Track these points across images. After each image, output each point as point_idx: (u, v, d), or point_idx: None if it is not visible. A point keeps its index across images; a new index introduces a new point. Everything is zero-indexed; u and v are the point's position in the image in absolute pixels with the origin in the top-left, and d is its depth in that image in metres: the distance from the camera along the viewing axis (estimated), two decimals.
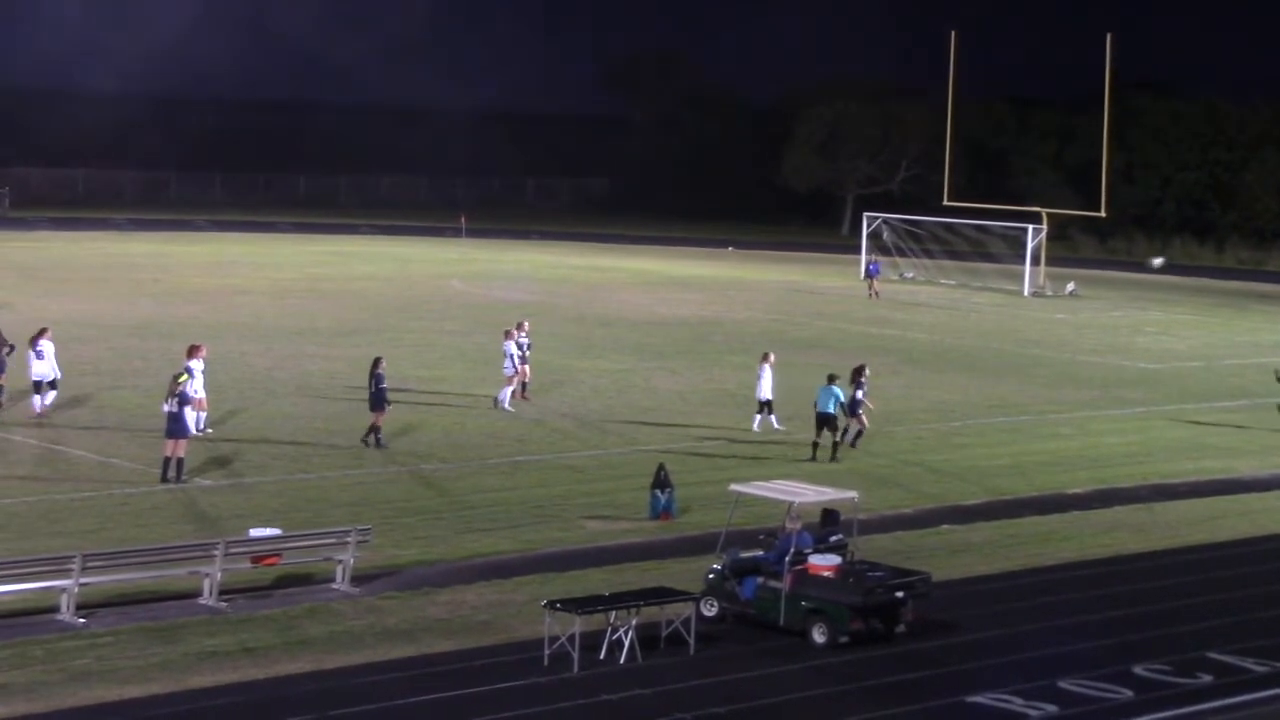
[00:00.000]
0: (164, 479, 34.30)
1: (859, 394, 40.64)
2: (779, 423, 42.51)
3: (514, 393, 44.47)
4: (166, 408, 34.79)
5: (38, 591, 25.61)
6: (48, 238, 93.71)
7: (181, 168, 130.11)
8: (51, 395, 40.73)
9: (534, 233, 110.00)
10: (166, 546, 27.63)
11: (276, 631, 25.36)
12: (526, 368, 45.81)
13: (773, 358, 43.30)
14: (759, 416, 42.72)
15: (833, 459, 38.95)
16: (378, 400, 38.73)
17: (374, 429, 38.69)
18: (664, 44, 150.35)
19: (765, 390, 42.60)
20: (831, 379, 40.09)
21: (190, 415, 35.80)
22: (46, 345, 40.65)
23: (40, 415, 40.20)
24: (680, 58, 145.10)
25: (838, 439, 39.60)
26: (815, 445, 39.44)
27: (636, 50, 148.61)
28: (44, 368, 40.49)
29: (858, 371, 41.18)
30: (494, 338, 48.24)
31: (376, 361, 39.27)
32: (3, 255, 66.08)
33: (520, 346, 45.53)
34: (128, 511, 32.01)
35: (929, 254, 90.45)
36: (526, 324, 46.78)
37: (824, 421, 39.45)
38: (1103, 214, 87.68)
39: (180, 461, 34.52)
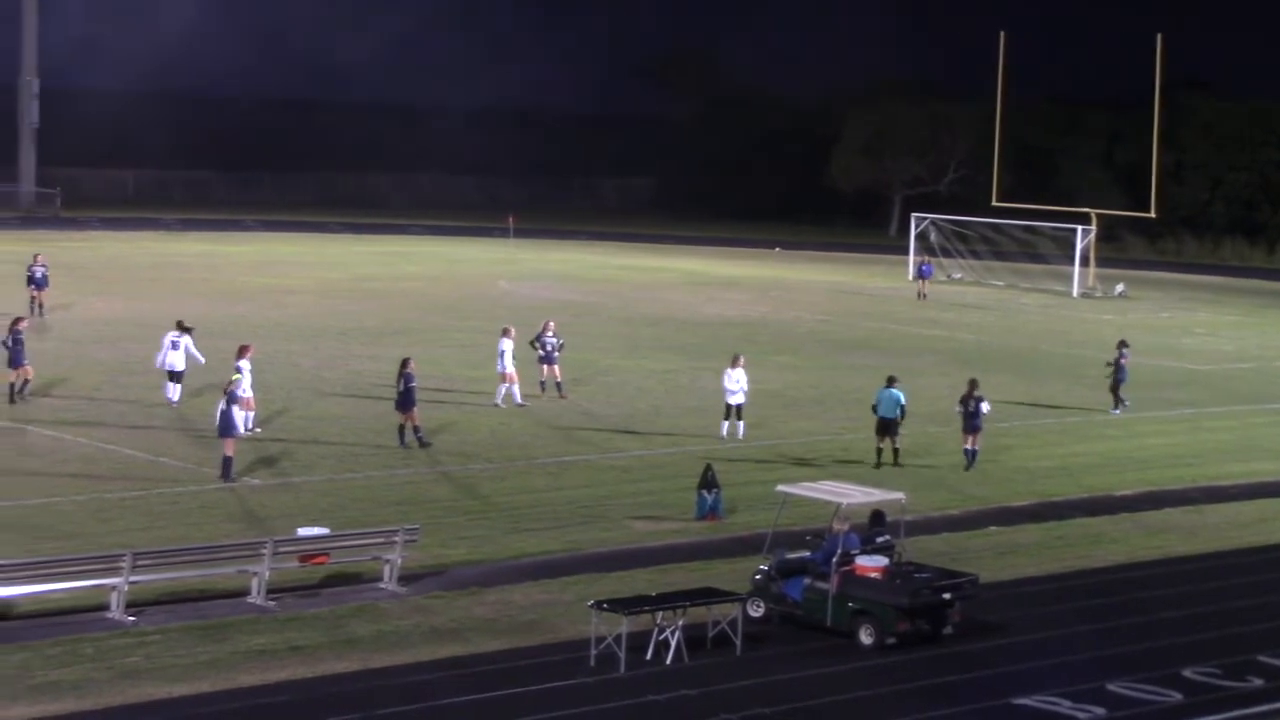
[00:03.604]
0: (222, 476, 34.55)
1: (984, 408, 39.05)
2: (728, 431, 41.28)
3: (512, 391, 44.48)
4: (220, 406, 35.07)
5: (88, 589, 25.79)
6: (98, 237, 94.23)
7: (230, 168, 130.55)
8: (178, 387, 42.93)
9: (581, 233, 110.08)
10: (215, 545, 27.80)
11: (324, 630, 25.46)
12: (557, 368, 45.99)
13: (741, 361, 41.96)
14: (727, 423, 41.27)
15: (895, 464, 38.38)
16: (406, 400, 38.77)
17: (415, 429, 38.75)
18: (711, 44, 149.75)
19: (736, 394, 41.10)
20: (891, 381, 39.30)
21: (238, 414, 35.98)
22: (182, 339, 42.96)
23: (174, 404, 42.28)
24: (727, 57, 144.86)
25: (898, 445, 38.88)
26: (879, 451, 38.77)
27: (684, 50, 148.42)
28: (177, 359, 42.79)
29: (973, 386, 39.45)
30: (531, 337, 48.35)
31: (405, 362, 39.38)
32: (55, 255, 66.39)
33: (547, 347, 45.72)
34: (177, 510, 32.18)
35: (976, 255, 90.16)
36: (552, 324, 46.84)
37: (885, 427, 38.70)
38: (1152, 214, 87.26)
39: (227, 460, 34.68)
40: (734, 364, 41.58)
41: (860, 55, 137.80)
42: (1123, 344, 48.75)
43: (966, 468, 38.79)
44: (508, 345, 44.39)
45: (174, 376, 42.87)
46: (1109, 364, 48.35)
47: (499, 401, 44.22)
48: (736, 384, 41.12)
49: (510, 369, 44.35)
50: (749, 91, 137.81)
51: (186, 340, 43.07)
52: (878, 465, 38.37)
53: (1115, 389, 47.76)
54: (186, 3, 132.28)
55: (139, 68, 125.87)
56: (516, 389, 44.43)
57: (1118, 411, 47.32)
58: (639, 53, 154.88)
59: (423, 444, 38.64)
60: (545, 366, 46.06)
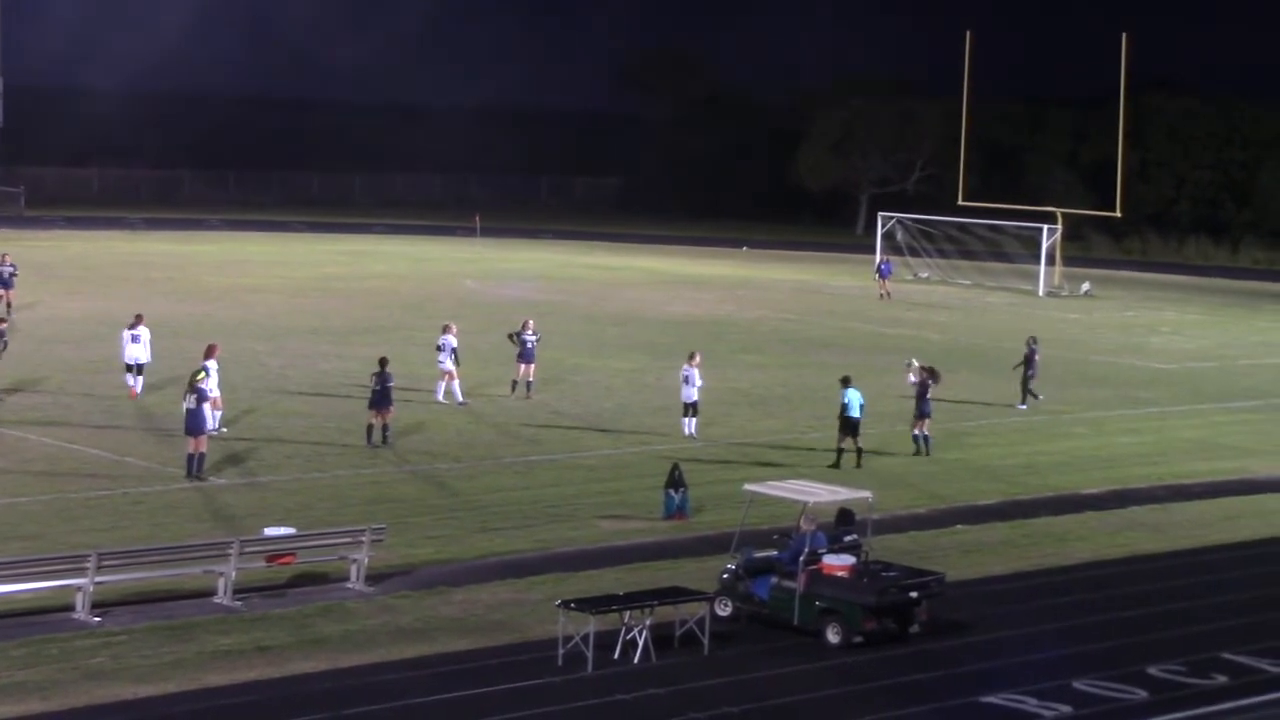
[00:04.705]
0: (188, 475, 34.39)
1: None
2: (695, 429, 41.20)
3: (453, 388, 44.57)
4: (186, 404, 34.96)
5: (53, 590, 25.68)
6: (63, 237, 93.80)
7: (195, 166, 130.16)
8: (140, 379, 43.63)
9: (547, 231, 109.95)
10: (181, 545, 27.72)
11: (291, 630, 25.40)
12: (532, 366, 46.05)
13: (699, 358, 42.08)
14: (688, 420, 41.18)
15: (858, 464, 38.34)
16: (382, 399, 38.73)
17: (384, 427, 38.72)
18: (678, 43, 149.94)
19: (692, 393, 41.09)
20: (846, 381, 39.25)
21: (208, 412, 35.91)
22: (142, 331, 43.72)
23: (135, 396, 42.97)
24: (694, 57, 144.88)
25: (860, 445, 38.84)
26: (840, 451, 38.67)
27: (651, 49, 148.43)
28: (138, 351, 43.62)
29: (930, 374, 40.92)
30: (501, 335, 48.30)
31: (383, 361, 39.34)
32: (20, 254, 66.03)
33: (527, 344, 45.81)
34: (142, 510, 32.08)
35: (943, 254, 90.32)
36: (531, 322, 46.87)
37: (850, 426, 38.62)
38: (1118, 213, 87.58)
39: (201, 457, 34.63)
40: (690, 361, 41.57)
41: (829, 54, 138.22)
42: (1032, 339, 48.93)
43: (922, 453, 39.79)
44: (452, 341, 44.49)
45: (135, 369, 43.44)
46: (1017, 365, 48.57)
47: (452, 398, 44.24)
48: (696, 381, 41.14)
49: (449, 365, 44.44)
50: (718, 90, 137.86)
51: (144, 332, 43.69)
52: (836, 465, 38.22)
53: (1026, 383, 47.97)
54: (152, 3, 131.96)
55: (103, 67, 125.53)
56: (443, 385, 44.59)
57: (1025, 406, 47.51)
58: (611, 53, 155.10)
59: (386, 441, 38.58)
60: (522, 365, 46.08)
